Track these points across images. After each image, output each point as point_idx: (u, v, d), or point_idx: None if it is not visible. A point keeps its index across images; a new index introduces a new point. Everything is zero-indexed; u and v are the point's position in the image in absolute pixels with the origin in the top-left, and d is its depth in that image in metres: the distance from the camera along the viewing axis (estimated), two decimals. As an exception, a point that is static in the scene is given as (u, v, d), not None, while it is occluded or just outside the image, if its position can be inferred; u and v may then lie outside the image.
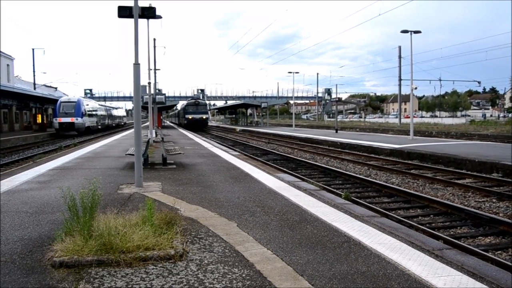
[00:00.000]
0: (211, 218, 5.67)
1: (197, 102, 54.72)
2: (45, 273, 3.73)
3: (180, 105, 70.23)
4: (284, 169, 13.84)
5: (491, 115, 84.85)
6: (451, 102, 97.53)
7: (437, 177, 12.17)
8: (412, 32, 23.94)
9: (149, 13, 8.32)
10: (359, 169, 14.71)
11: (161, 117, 59.00)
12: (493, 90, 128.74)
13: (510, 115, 74.71)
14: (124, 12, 8.11)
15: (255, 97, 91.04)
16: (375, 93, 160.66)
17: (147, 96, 22.42)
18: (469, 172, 12.90)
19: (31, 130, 41.75)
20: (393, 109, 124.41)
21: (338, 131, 35.02)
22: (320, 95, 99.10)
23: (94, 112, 45.24)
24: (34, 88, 48.12)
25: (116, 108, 71.05)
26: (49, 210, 6.10)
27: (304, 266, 3.89)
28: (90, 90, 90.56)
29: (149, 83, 23.30)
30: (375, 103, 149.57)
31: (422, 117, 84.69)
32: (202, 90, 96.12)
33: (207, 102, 72.91)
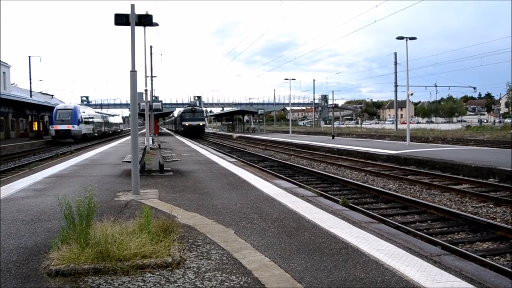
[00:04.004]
0: (209, 225, 5.65)
1: (194, 109, 54.78)
2: (41, 282, 3.69)
3: (177, 112, 70.32)
4: (281, 176, 13.83)
5: (486, 121, 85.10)
6: (447, 108, 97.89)
7: (434, 183, 12.19)
8: (408, 39, 24.08)
9: (145, 20, 8.33)
10: (356, 175, 14.72)
11: (158, 124, 58.99)
12: (488, 95, 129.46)
13: (505, 120, 75.03)
14: (121, 20, 8.13)
15: (251, 104, 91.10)
16: (371, 99, 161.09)
17: (144, 103, 22.45)
18: (466, 178, 12.92)
19: (27, 138, 41.57)
20: (389, 115, 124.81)
21: (335, 137, 35.09)
22: (316, 101, 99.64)
23: (90, 119, 45.19)
24: (31, 96, 48.03)
25: (113, 115, 71.02)
26: (45, 218, 6.06)
27: (302, 273, 3.87)
28: (87, 97, 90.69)
29: (146, 90, 23.40)
30: (372, 109, 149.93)
31: (418, 123, 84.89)
32: (199, 97, 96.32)
33: (204, 109, 72.93)
